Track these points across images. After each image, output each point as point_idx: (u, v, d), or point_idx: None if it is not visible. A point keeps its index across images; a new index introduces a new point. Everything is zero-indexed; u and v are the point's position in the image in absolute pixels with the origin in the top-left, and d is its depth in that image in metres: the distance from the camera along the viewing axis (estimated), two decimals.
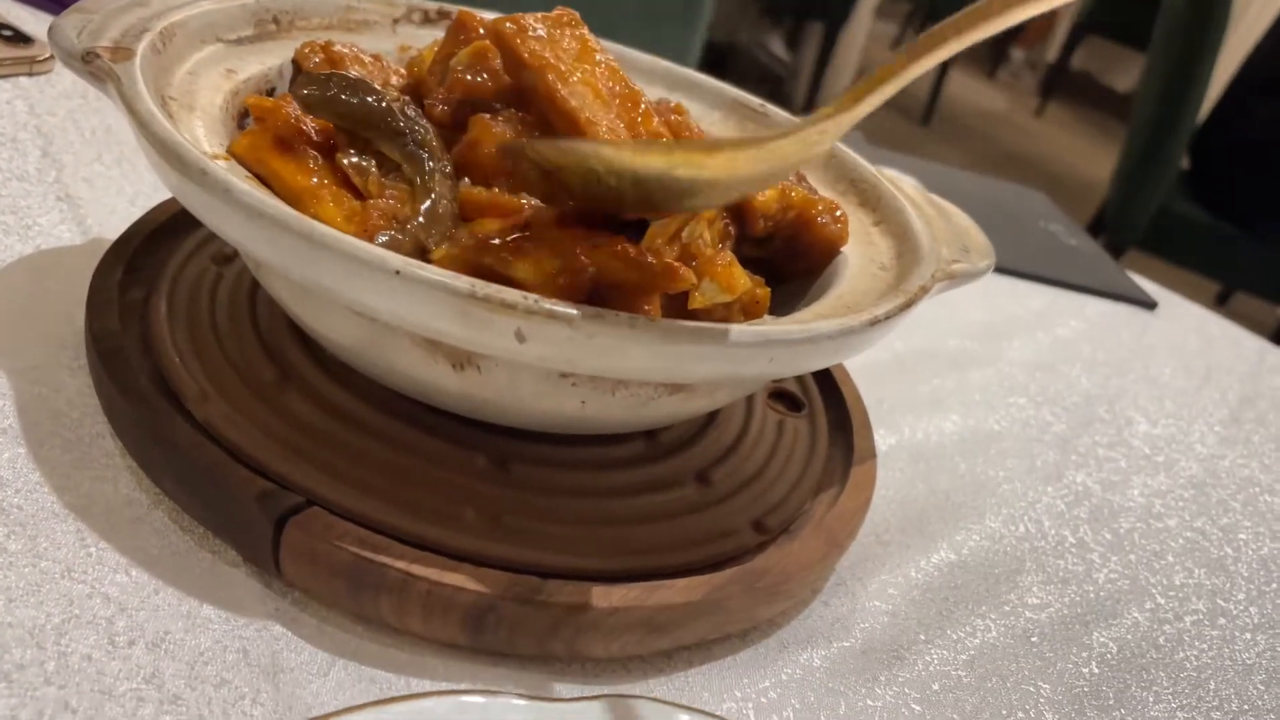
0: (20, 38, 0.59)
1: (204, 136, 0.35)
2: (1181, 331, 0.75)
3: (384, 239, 0.32)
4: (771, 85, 3.71)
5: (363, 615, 0.33)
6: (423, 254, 0.33)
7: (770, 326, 0.31)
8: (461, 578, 0.32)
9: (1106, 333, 0.71)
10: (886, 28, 4.78)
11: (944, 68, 3.99)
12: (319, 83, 0.33)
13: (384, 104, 0.34)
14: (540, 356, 0.29)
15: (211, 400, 0.35)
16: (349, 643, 0.32)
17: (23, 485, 0.34)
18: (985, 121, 4.41)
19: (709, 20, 1.37)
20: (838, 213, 0.41)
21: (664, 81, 0.52)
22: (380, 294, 0.29)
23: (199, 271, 0.42)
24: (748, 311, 0.40)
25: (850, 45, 3.59)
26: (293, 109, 0.34)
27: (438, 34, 0.49)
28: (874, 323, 0.33)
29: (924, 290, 0.37)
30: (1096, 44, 4.47)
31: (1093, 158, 4.28)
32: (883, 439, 0.51)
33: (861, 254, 0.42)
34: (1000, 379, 0.61)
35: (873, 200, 0.45)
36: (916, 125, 4.05)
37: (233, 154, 0.34)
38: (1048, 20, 4.70)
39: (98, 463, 0.36)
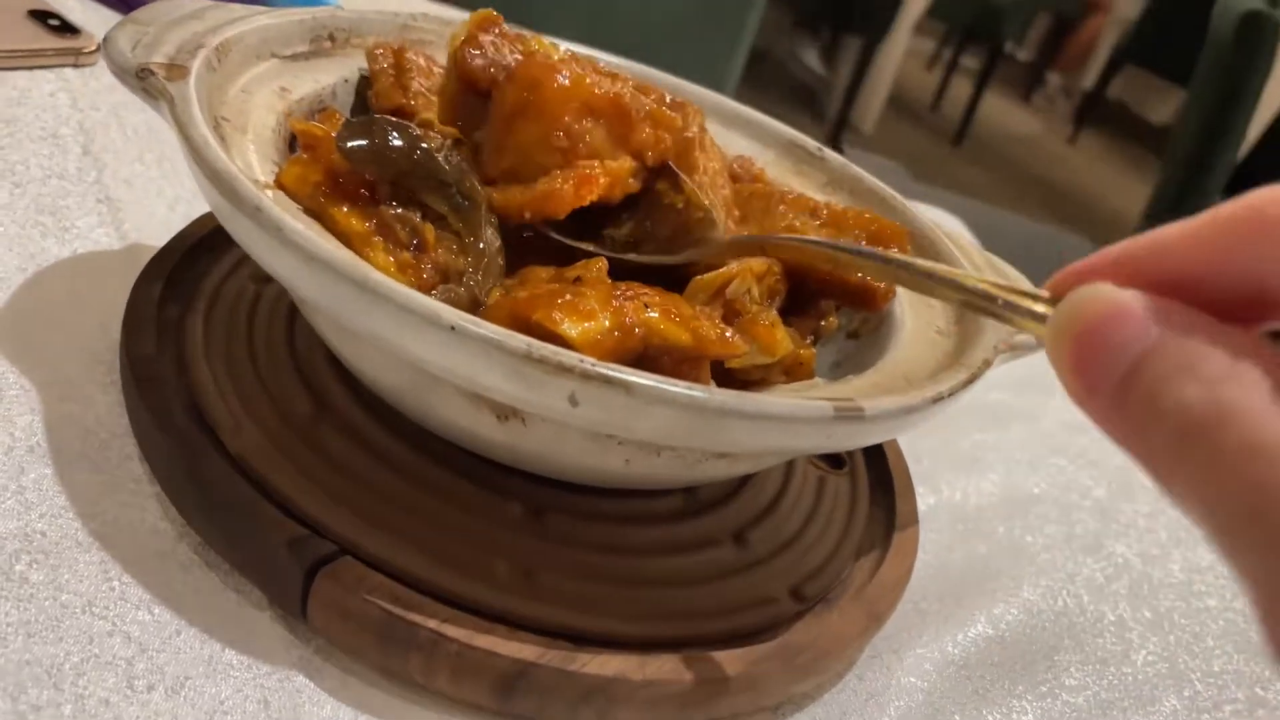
0: (67, 28, 0.58)
1: (256, 162, 0.34)
2: None
3: (438, 294, 0.31)
4: (804, 97, 3.69)
5: (389, 671, 0.32)
6: (475, 307, 0.32)
7: (829, 404, 0.30)
8: (493, 640, 0.31)
9: None
10: (924, 44, 4.75)
11: (979, 89, 3.96)
12: (361, 132, 0.32)
13: (427, 155, 0.33)
14: (591, 420, 0.28)
15: (245, 432, 0.34)
16: (374, 698, 0.31)
17: (48, 509, 0.33)
18: (1017, 145, 4.38)
19: (754, 31, 1.35)
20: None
21: (718, 116, 0.51)
22: (433, 348, 0.28)
23: (238, 290, 0.41)
24: (790, 372, 0.39)
25: (887, 61, 3.57)
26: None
27: None
28: (937, 400, 0.32)
29: (987, 364, 0.35)
30: (1135, 74, 4.43)
31: (1124, 189, 4.24)
32: (922, 498, 0.49)
33: (918, 316, 0.40)
34: (1041, 437, 0.59)
35: (930, 254, 0.44)
36: (948, 145, 4.02)
37: (281, 184, 0.33)
38: (1086, 46, 4.67)
39: (125, 488, 0.35)
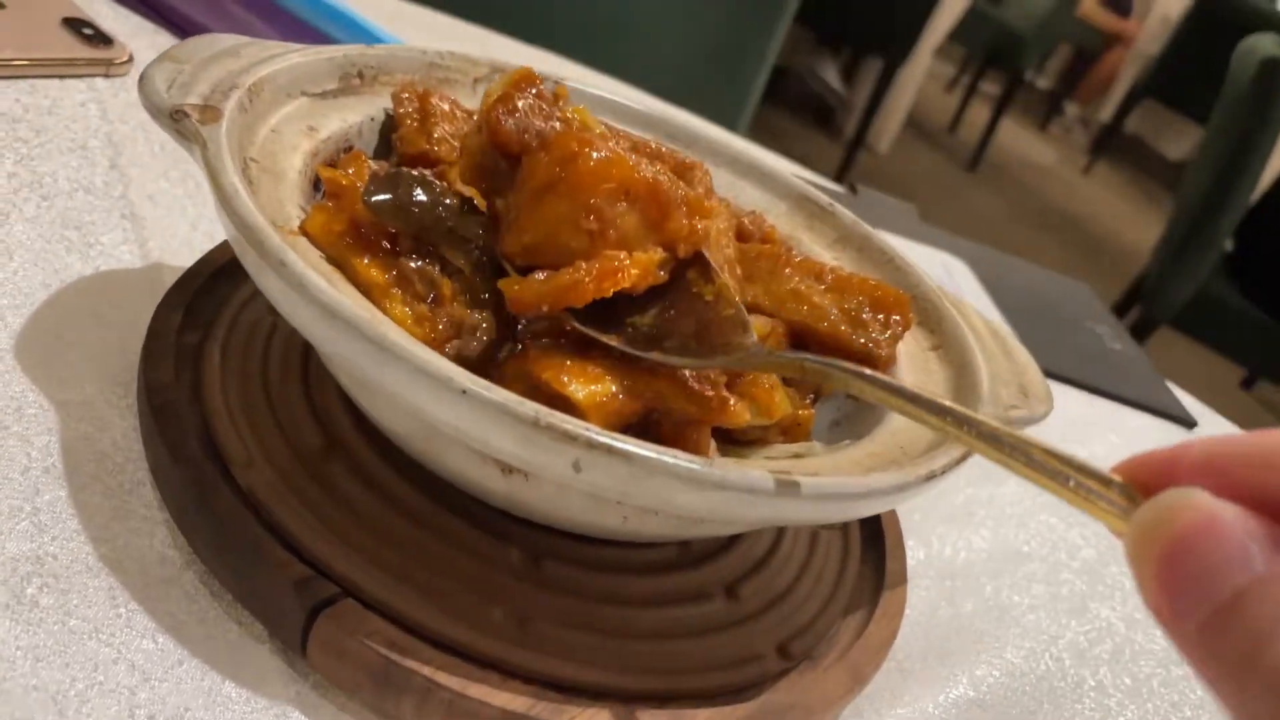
0: (100, 37, 0.59)
1: (282, 205, 0.35)
2: None
3: (452, 348, 0.32)
4: (822, 115, 3.70)
5: (384, 712, 0.33)
6: (488, 362, 0.33)
7: (825, 480, 0.31)
8: (485, 690, 0.32)
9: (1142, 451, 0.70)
10: (944, 68, 4.76)
11: (997, 114, 3.97)
12: (387, 186, 0.33)
13: (449, 212, 0.33)
14: (594, 486, 0.29)
15: (256, 466, 0.35)
16: None
17: (60, 532, 0.34)
18: (1032, 173, 4.39)
19: (777, 53, 1.36)
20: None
21: (732, 166, 0.52)
22: (444, 408, 0.28)
23: (255, 318, 0.42)
24: (788, 433, 0.40)
25: (907, 83, 3.58)
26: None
27: None
28: (930, 477, 0.33)
29: None
30: (1152, 109, 4.44)
31: (1136, 223, 4.25)
32: (912, 552, 0.50)
33: (917, 384, 0.41)
34: (1033, 494, 0.60)
35: (933, 321, 0.45)
36: (963, 169, 4.03)
37: (305, 231, 0.34)
38: (1106, 79, 4.67)
39: (136, 513, 0.36)
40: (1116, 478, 0.22)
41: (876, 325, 0.40)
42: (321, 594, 0.32)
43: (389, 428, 0.35)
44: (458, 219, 0.34)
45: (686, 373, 0.33)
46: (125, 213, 0.49)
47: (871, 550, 0.46)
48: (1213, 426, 0.78)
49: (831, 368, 0.30)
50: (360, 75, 0.44)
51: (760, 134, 1.33)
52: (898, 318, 0.40)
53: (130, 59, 0.59)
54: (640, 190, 0.32)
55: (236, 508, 0.34)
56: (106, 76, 0.58)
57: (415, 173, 0.34)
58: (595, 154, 0.32)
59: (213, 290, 0.43)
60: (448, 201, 0.34)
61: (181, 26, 0.66)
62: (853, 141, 3.34)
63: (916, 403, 0.28)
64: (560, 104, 0.36)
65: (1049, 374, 0.73)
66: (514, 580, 0.36)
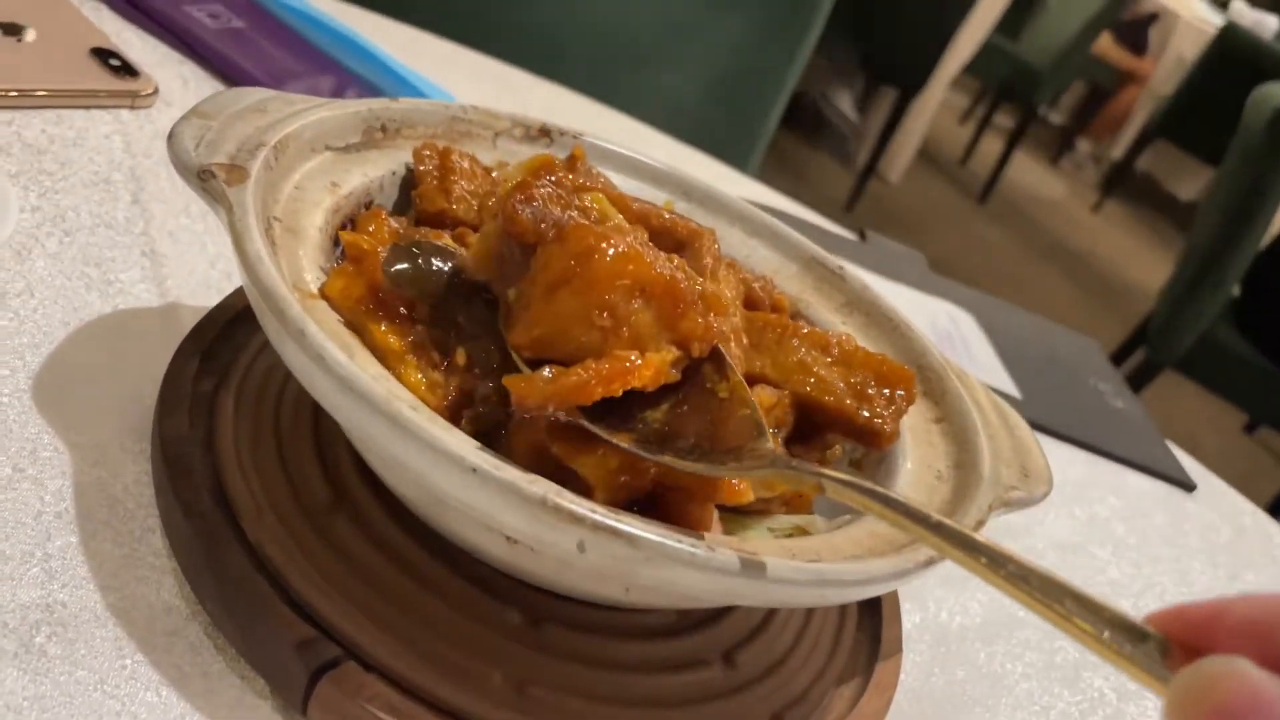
0: (127, 69, 0.60)
1: (305, 265, 0.36)
2: (1216, 520, 0.74)
3: (464, 416, 0.33)
4: (834, 143, 3.72)
5: None
6: (498, 430, 0.34)
7: (826, 565, 0.31)
8: None
9: (1141, 515, 0.71)
10: (958, 99, 4.78)
11: (1009, 147, 3.98)
12: (407, 256, 0.34)
13: (466, 284, 0.34)
14: (597, 566, 0.30)
15: (265, 519, 0.36)
16: None
17: (70, 579, 0.35)
18: (1041, 208, 4.40)
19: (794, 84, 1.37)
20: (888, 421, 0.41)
21: (744, 225, 0.52)
22: (454, 485, 0.29)
23: (270, 364, 0.42)
24: (790, 504, 0.40)
25: (920, 113, 3.59)
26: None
27: (536, 151, 0.49)
28: (930, 563, 0.34)
29: (981, 524, 0.37)
30: (1164, 149, 4.45)
31: (1144, 263, 4.25)
32: (908, 615, 0.51)
33: (919, 457, 0.42)
34: (1032, 556, 0.60)
35: (937, 393, 0.45)
36: (974, 201, 4.04)
37: (325, 295, 0.35)
38: (1119, 117, 4.69)
39: (145, 561, 0.36)
40: (1153, 631, 0.21)
41: (882, 400, 0.40)
42: (324, 655, 0.33)
43: (397, 490, 0.35)
44: (474, 290, 0.34)
45: None
46: (145, 250, 0.50)
47: (868, 616, 0.46)
48: (1212, 490, 0.79)
49: (855, 489, 0.30)
50: (383, 129, 0.44)
51: (772, 159, 1.34)
52: (903, 393, 0.41)
53: (156, 91, 0.60)
54: (656, 288, 0.32)
55: (244, 565, 0.34)
56: (132, 109, 0.59)
57: (435, 242, 0.35)
58: (612, 249, 0.32)
59: (229, 336, 0.43)
60: (465, 273, 0.34)
61: (208, 58, 0.67)
62: (864, 169, 3.36)
63: (967, 547, 0.26)
64: (580, 186, 0.36)
65: (1051, 432, 0.74)
66: (513, 643, 0.36)
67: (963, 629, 0.52)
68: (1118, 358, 2.56)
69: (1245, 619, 0.20)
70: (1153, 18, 4.52)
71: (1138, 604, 0.61)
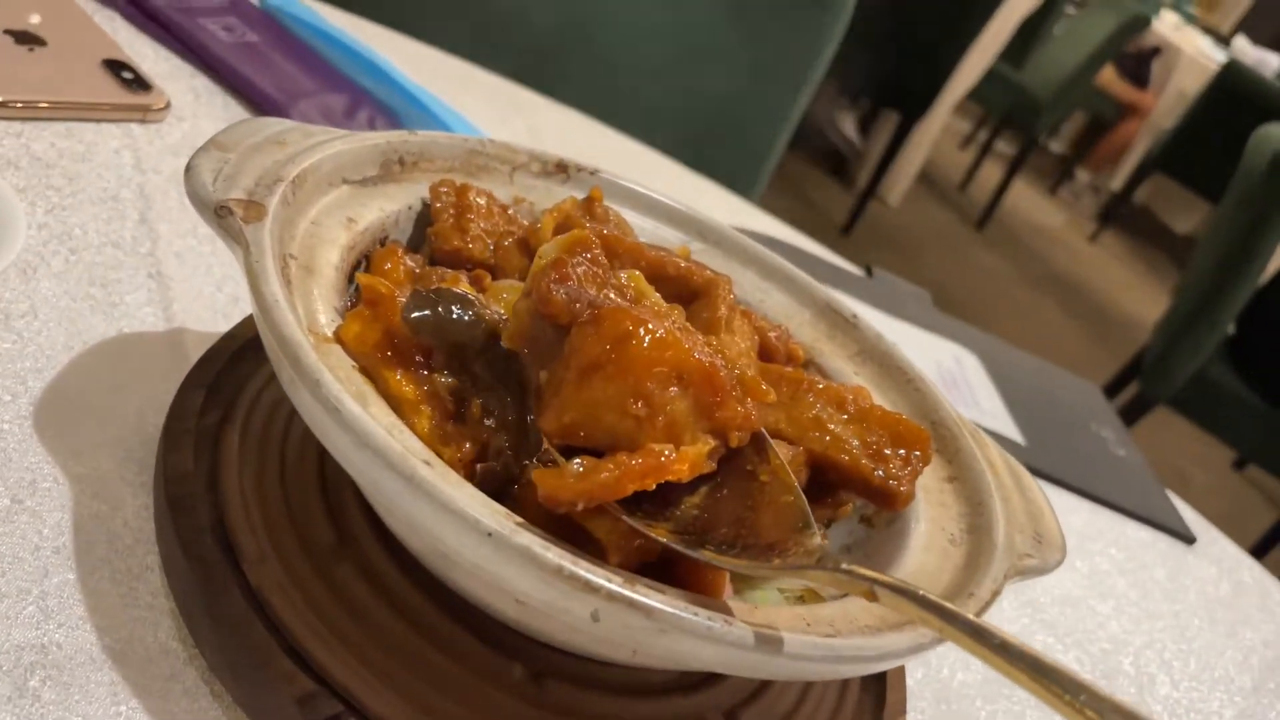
0: (140, 82, 0.59)
1: (320, 306, 0.35)
2: (1215, 575, 0.74)
3: (478, 469, 0.32)
4: (835, 163, 3.72)
5: None
6: (510, 484, 0.33)
7: (842, 642, 0.31)
8: None
9: (1142, 568, 0.70)
10: (960, 125, 4.79)
11: (1009, 175, 3.99)
12: (427, 304, 0.33)
13: (485, 334, 0.33)
14: (610, 635, 0.29)
15: (268, 563, 0.35)
16: None
17: (67, 619, 0.34)
18: (1039, 237, 4.41)
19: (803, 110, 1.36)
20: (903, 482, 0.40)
21: (758, 269, 0.52)
22: (467, 546, 0.28)
23: (275, 400, 0.42)
24: None
25: (922, 139, 3.60)
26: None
27: (553, 187, 0.49)
28: (943, 639, 0.33)
29: (996, 595, 0.36)
30: (1162, 182, 4.47)
31: (1141, 294, 4.27)
32: (910, 671, 0.50)
33: (932, 518, 0.41)
34: (1032, 611, 0.60)
35: (950, 450, 0.45)
36: (973, 228, 4.05)
37: (340, 339, 0.34)
38: (1118, 148, 4.71)
39: (143, 600, 0.36)
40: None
41: (897, 461, 0.40)
42: (324, 712, 0.32)
43: (405, 541, 0.35)
44: (491, 340, 0.34)
45: None
46: (151, 271, 0.49)
47: (873, 676, 0.45)
48: (1211, 542, 0.78)
49: (906, 597, 0.28)
50: (401, 162, 0.44)
51: (774, 179, 1.34)
52: (919, 454, 0.40)
53: (167, 105, 0.59)
54: (695, 376, 0.31)
55: (245, 612, 0.33)
56: (143, 122, 0.58)
57: (455, 290, 0.34)
58: (649, 336, 0.30)
59: (235, 367, 0.43)
60: (484, 323, 0.34)
61: (220, 72, 0.66)
62: (865, 192, 3.36)
63: (1004, 654, 0.26)
64: (619, 273, 0.35)
65: (1055, 480, 0.74)
66: (515, 700, 0.35)
67: (964, 685, 0.52)
68: (1111, 391, 2.56)
69: None
70: (1155, 52, 4.55)
71: (1138, 660, 0.61)
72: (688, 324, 0.34)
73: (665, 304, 0.36)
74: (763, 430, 0.34)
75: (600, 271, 0.33)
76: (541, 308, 0.32)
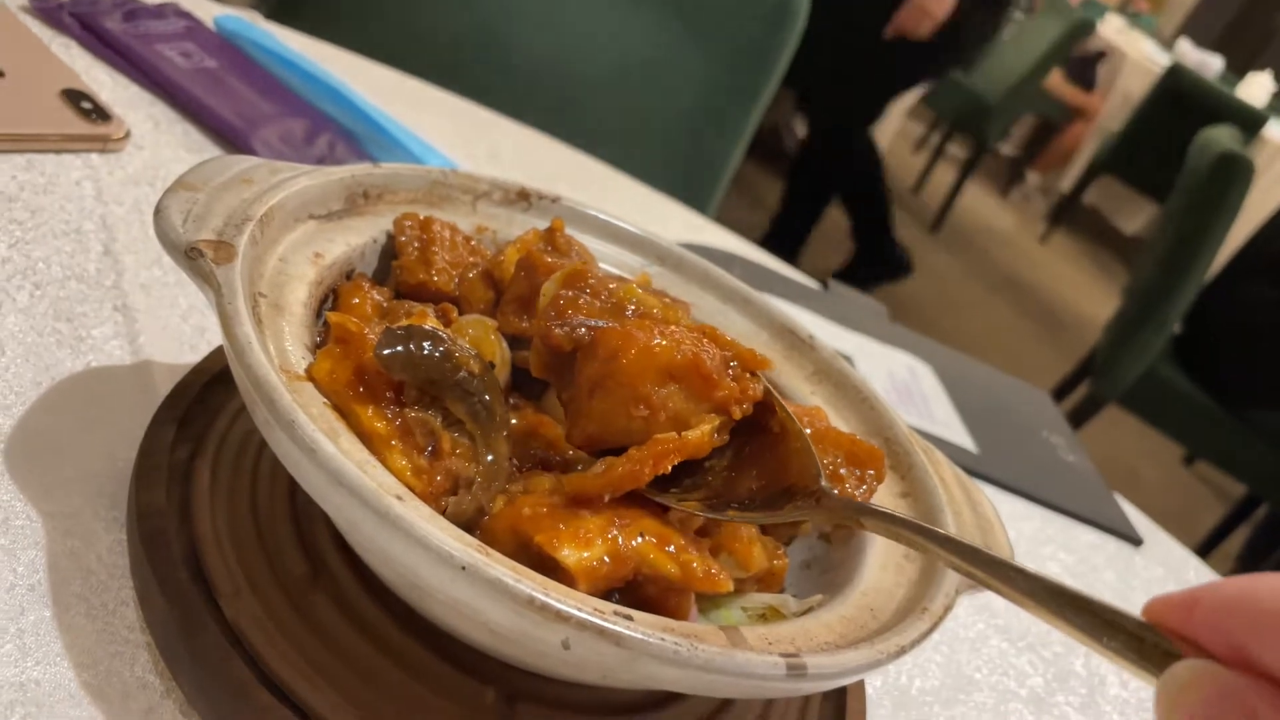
0: (99, 112, 0.59)
1: (290, 344, 0.36)
2: (1161, 575, 0.77)
3: (449, 503, 0.33)
4: (789, 167, 3.75)
5: None
6: (480, 516, 0.34)
7: (806, 659, 0.32)
8: None
9: (1091, 570, 0.73)
10: (914, 128, 4.86)
11: (961, 178, 4.05)
12: (399, 341, 0.34)
13: (455, 368, 0.35)
14: (581, 660, 0.30)
15: (243, 596, 0.36)
16: None
17: (44, 655, 0.34)
18: (991, 239, 4.48)
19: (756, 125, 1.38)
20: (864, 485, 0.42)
21: (717, 292, 0.53)
22: (441, 580, 0.29)
23: (245, 432, 0.42)
24: (763, 581, 0.41)
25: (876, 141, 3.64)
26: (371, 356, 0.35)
27: (515, 215, 0.50)
28: (900, 652, 0.34)
29: (948, 610, 0.38)
30: (1110, 184, 4.56)
31: (1091, 294, 4.35)
32: (869, 680, 0.52)
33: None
34: (988, 616, 0.62)
35: (904, 466, 0.47)
36: (926, 232, 4.10)
37: (311, 377, 0.35)
38: (1067, 151, 4.80)
39: (119, 635, 0.36)
40: (1138, 617, 0.26)
41: (853, 480, 0.41)
42: None
43: (378, 571, 0.36)
44: (462, 374, 0.35)
45: (673, 545, 0.34)
46: (117, 304, 0.49)
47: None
48: (1158, 544, 0.81)
49: (893, 524, 0.34)
50: (365, 195, 0.45)
51: (731, 184, 1.36)
52: (873, 472, 0.42)
53: (127, 134, 0.59)
54: (683, 370, 0.35)
55: (221, 645, 0.34)
56: (103, 152, 0.58)
57: (425, 326, 0.35)
58: (633, 348, 0.35)
59: (205, 399, 0.43)
60: (455, 358, 0.35)
61: (179, 99, 0.66)
62: None
63: (983, 563, 0.31)
64: (613, 284, 0.39)
65: (1006, 487, 0.76)
66: None
67: (921, 692, 0.54)
68: (1062, 391, 2.62)
69: (1210, 613, 0.25)
70: (1101, 55, 4.64)
71: (1089, 662, 0.63)
72: (687, 323, 0.38)
73: (665, 305, 0.39)
74: (769, 389, 0.38)
75: (597, 301, 0.37)
76: (546, 344, 0.36)
